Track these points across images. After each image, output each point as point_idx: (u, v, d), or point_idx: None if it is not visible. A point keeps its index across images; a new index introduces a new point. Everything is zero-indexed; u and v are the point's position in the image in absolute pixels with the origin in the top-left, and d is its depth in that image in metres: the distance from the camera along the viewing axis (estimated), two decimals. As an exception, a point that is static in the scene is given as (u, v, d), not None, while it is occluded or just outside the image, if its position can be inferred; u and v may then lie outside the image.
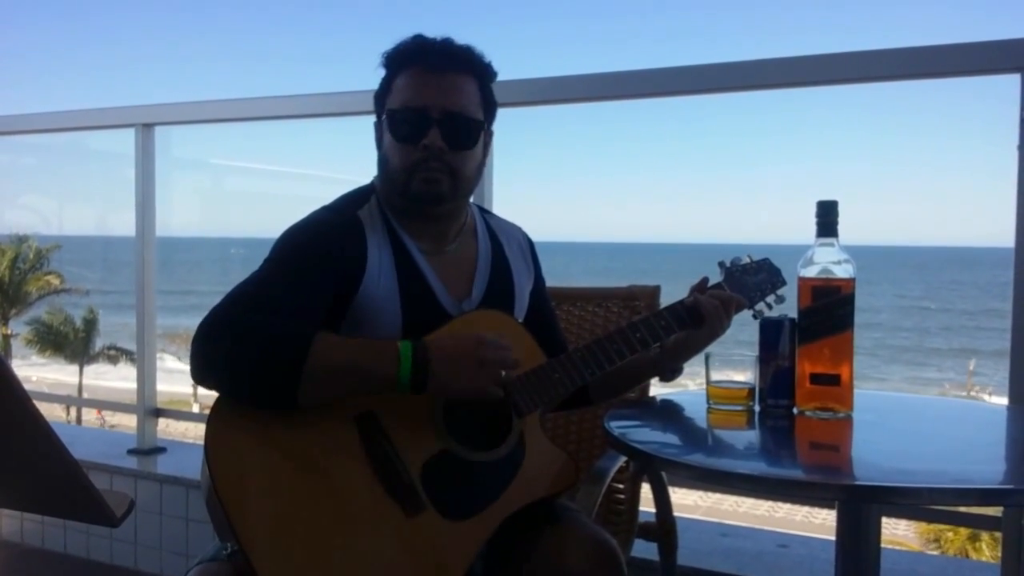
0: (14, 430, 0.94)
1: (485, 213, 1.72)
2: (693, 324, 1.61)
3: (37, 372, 28.71)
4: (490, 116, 1.59)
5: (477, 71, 1.55)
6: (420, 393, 1.36)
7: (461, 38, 1.54)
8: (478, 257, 1.62)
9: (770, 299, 1.71)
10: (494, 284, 1.61)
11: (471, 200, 1.66)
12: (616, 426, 1.45)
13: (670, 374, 1.67)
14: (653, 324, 1.60)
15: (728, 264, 1.70)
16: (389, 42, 1.55)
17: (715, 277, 1.69)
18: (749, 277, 1.70)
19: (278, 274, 1.42)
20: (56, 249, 29.87)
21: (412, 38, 1.53)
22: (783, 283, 1.73)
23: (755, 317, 1.68)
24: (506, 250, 1.66)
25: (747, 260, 1.72)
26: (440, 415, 1.44)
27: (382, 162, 1.55)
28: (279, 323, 1.34)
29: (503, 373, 1.41)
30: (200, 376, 1.34)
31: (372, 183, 1.59)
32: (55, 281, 28.94)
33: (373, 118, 1.60)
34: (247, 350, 1.31)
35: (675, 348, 1.63)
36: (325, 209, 1.54)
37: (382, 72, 1.56)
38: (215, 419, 1.33)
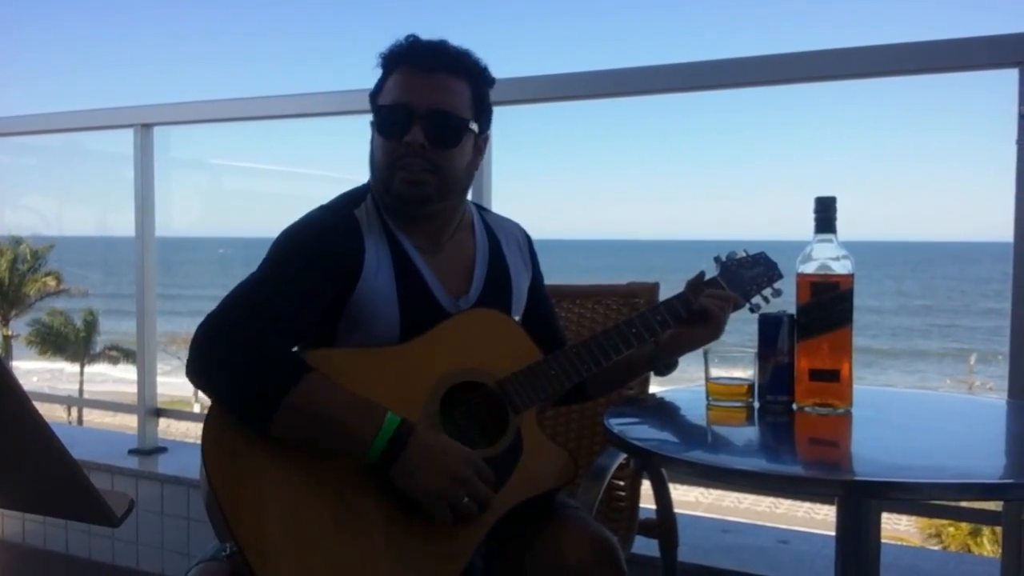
0: (13, 430, 0.94)
1: (482, 210, 1.72)
2: (689, 320, 1.61)
3: (38, 375, 28.69)
4: (483, 120, 1.57)
5: (470, 75, 1.53)
6: (384, 468, 1.33)
7: (461, 37, 1.53)
8: (475, 254, 1.62)
9: (767, 292, 1.71)
10: (491, 281, 1.61)
11: (468, 198, 1.66)
12: (616, 423, 1.45)
13: (665, 369, 1.67)
14: (649, 319, 1.60)
15: (724, 258, 1.70)
16: (388, 41, 1.55)
17: (711, 272, 1.69)
18: (745, 271, 1.70)
19: (275, 276, 1.42)
20: (50, 249, 29.80)
21: (406, 38, 1.53)
22: (779, 276, 1.73)
23: (752, 311, 1.68)
24: (503, 247, 1.66)
25: (743, 254, 1.72)
26: (436, 413, 1.44)
27: (370, 161, 1.56)
28: (277, 342, 1.35)
29: (465, 500, 1.35)
30: (193, 377, 1.35)
31: (368, 182, 1.60)
32: (51, 283, 28.94)
33: (371, 117, 1.60)
34: (237, 366, 1.32)
35: (670, 343, 1.63)
36: (321, 209, 1.54)
37: (379, 72, 1.57)
38: (212, 421, 1.34)
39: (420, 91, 1.49)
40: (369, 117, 1.59)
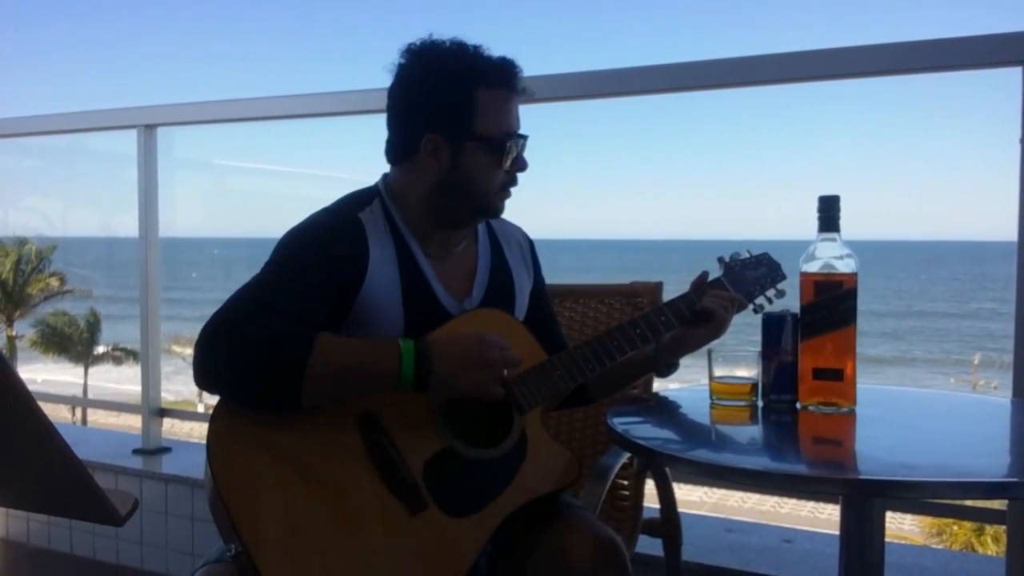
0: (17, 430, 0.94)
1: None
2: (693, 320, 1.61)
3: (42, 375, 28.73)
4: None
5: None
6: (422, 391, 1.37)
7: (464, 35, 1.53)
8: (478, 259, 1.62)
9: (770, 293, 1.71)
10: (494, 285, 1.61)
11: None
12: (619, 422, 1.45)
13: (665, 370, 1.68)
14: (653, 320, 1.60)
15: (727, 259, 1.70)
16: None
17: (715, 273, 1.69)
18: (749, 271, 1.70)
19: (278, 277, 1.42)
20: (54, 250, 29.85)
21: (498, 58, 1.51)
22: (783, 277, 1.73)
23: (756, 311, 1.68)
24: (505, 251, 1.67)
25: (746, 255, 1.72)
26: (441, 414, 1.44)
27: (459, 183, 1.50)
28: (280, 326, 1.35)
29: (505, 372, 1.41)
30: (203, 381, 1.34)
31: (377, 186, 1.58)
32: (55, 283, 28.99)
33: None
34: (249, 354, 1.32)
35: (671, 345, 1.63)
36: (325, 211, 1.53)
37: (443, 83, 1.48)
38: (217, 422, 1.34)
39: (518, 116, 1.54)
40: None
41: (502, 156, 1.50)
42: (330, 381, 1.34)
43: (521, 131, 1.54)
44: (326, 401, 1.37)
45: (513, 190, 1.57)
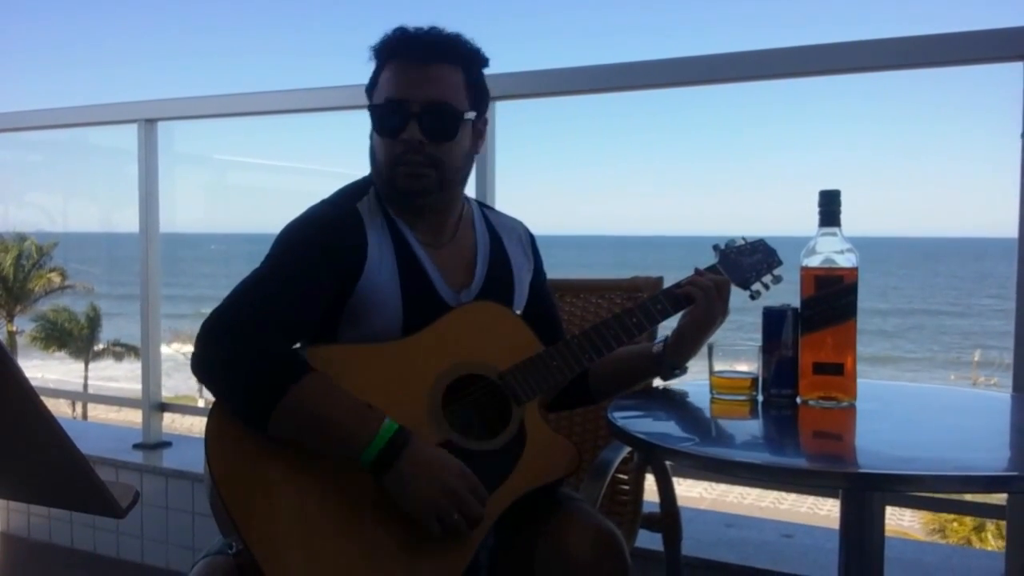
0: (19, 423, 0.94)
1: (485, 208, 1.72)
2: (684, 305, 1.60)
3: (41, 372, 28.71)
4: (480, 104, 1.56)
5: (462, 60, 1.52)
6: (376, 476, 1.32)
7: (466, 29, 1.52)
8: (476, 249, 1.62)
9: (767, 279, 1.70)
10: (493, 275, 1.60)
11: (473, 196, 1.66)
12: (619, 416, 1.45)
13: (671, 371, 1.63)
14: (649, 308, 1.60)
15: (723, 247, 1.70)
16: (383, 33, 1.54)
17: (711, 260, 1.68)
18: (744, 258, 1.69)
19: (278, 272, 1.43)
20: (55, 246, 29.86)
21: (394, 30, 1.51)
22: (779, 262, 1.72)
23: (752, 297, 1.67)
24: (505, 243, 1.66)
25: (741, 242, 1.71)
26: (439, 406, 1.44)
27: (371, 156, 1.54)
28: (279, 340, 1.36)
29: (455, 516, 1.33)
30: (199, 375, 1.36)
31: (370, 175, 1.59)
32: (56, 279, 29.00)
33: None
34: (240, 362, 1.33)
35: (677, 342, 1.60)
36: (323, 203, 1.54)
37: (373, 66, 1.55)
38: (215, 419, 1.35)
39: (414, 85, 1.47)
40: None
41: (378, 123, 1.50)
42: (298, 420, 1.31)
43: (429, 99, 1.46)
44: (290, 438, 1.33)
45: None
